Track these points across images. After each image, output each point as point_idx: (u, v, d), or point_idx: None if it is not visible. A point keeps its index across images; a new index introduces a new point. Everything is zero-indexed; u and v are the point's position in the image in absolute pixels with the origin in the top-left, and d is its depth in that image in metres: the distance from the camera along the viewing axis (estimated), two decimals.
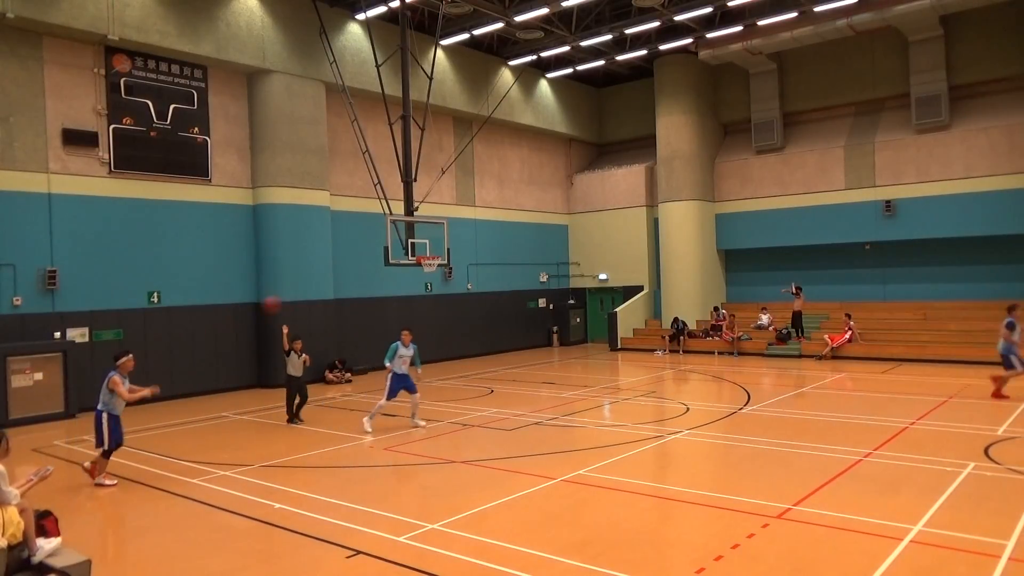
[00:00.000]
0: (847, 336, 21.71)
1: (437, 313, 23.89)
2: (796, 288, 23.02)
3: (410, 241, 18.93)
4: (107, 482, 9.71)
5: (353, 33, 20.76)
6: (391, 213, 19.10)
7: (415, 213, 19.52)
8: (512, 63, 25.46)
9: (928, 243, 22.81)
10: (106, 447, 9.70)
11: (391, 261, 18.31)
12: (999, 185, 21.23)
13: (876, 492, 8.47)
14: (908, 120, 23.07)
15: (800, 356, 22.20)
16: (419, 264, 18.86)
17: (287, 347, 13.85)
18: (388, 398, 12.76)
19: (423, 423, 13.12)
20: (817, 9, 20.80)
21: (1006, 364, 14.10)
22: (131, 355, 10.02)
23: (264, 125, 19.20)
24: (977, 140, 21.72)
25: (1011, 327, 14.01)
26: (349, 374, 19.77)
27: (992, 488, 8.55)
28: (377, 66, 19.42)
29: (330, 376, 19.47)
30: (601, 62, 25.77)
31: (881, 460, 9.92)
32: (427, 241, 19.39)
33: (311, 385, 18.54)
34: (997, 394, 14.24)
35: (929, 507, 7.79)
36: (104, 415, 9.67)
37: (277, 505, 8.59)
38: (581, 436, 12.30)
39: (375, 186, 19.38)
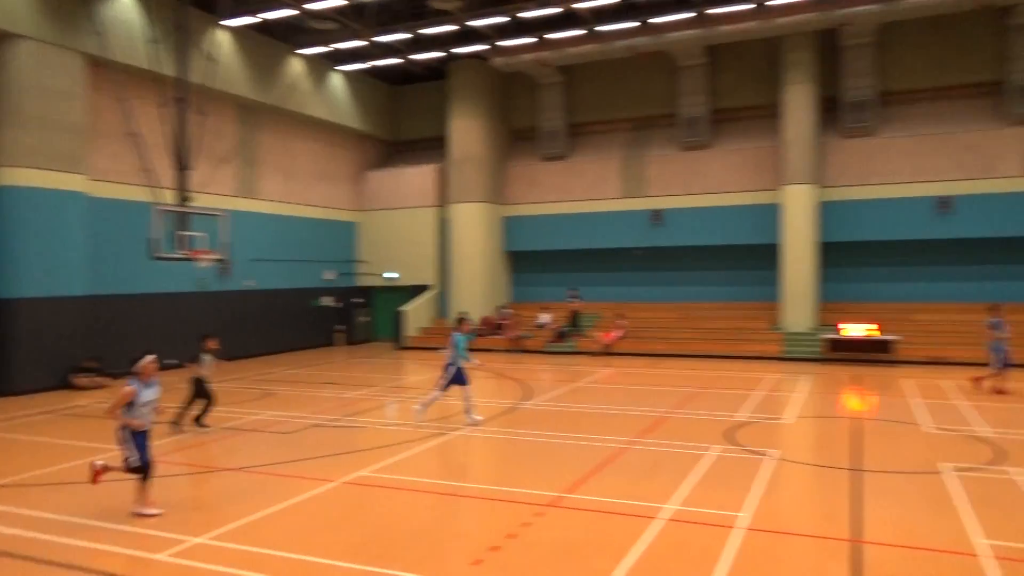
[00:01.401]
0: (618, 334, 23.42)
1: (212, 312, 22.31)
2: (573, 293, 24.62)
3: (182, 233, 17.52)
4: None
5: (124, 2, 18.81)
6: (159, 202, 17.56)
7: (189, 204, 18.12)
8: (303, 52, 24.52)
9: (690, 249, 25.25)
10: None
11: (158, 255, 16.84)
12: (750, 200, 24.01)
13: (637, 477, 9.20)
14: (676, 138, 25.38)
15: (576, 353, 23.58)
16: (192, 259, 17.52)
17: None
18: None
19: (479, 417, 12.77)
20: (602, 29, 22.23)
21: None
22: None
23: (7, 97, 16.79)
24: (732, 159, 24.41)
25: (995, 326, 15.17)
26: (103, 378, 17.60)
27: (732, 467, 9.62)
28: (150, 42, 17.77)
29: (80, 381, 17.30)
30: (397, 60, 25.63)
31: (643, 447, 10.80)
32: (204, 234, 18.07)
33: (54, 392, 16.63)
34: (1000, 390, 15.05)
35: (680, 487, 8.59)
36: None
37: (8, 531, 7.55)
38: (363, 437, 12.12)
39: (143, 172, 17.71)
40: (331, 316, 27.66)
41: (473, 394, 13.13)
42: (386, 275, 28.66)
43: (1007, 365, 15.28)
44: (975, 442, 10.86)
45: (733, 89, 24.89)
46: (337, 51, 24.92)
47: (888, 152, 22.44)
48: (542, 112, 27.17)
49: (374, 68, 26.96)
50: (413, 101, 29.80)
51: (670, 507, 7.89)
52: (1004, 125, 21.42)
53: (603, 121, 26.94)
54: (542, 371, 20.29)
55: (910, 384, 16.58)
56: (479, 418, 12.78)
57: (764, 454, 10.20)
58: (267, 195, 24.80)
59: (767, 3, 20.57)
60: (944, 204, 21.64)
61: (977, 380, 15.67)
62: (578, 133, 27.25)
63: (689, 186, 24.87)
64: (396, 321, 26.79)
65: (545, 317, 25.45)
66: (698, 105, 24.81)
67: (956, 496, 8.17)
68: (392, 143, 30.60)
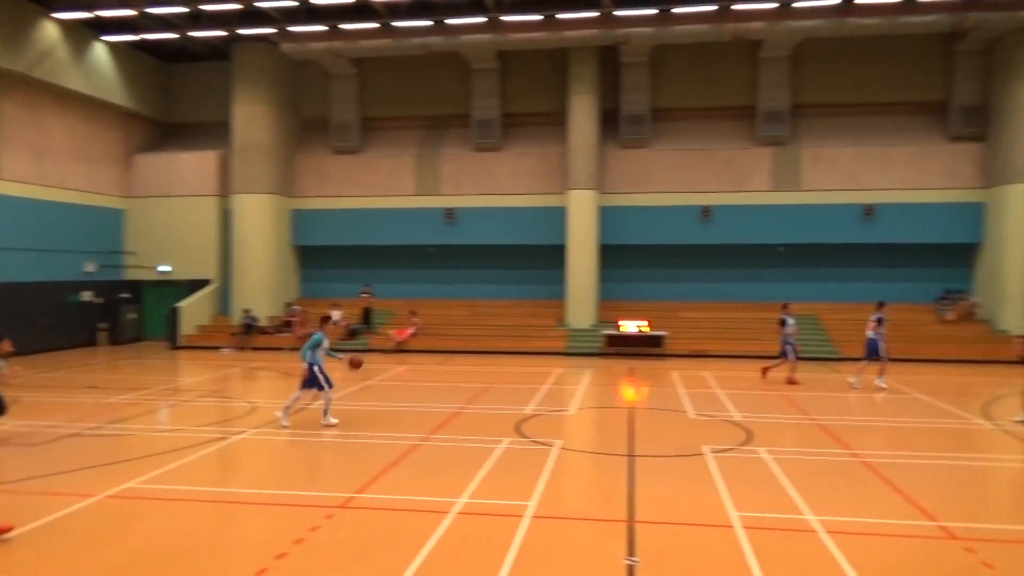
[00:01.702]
0: (411, 331, 23.38)
1: None
2: (366, 290, 24.28)
3: None
4: None
5: None
6: None
7: None
8: (60, 16, 21.76)
9: (481, 248, 25.82)
10: None
11: None
12: (538, 202, 25.04)
13: (430, 473, 9.21)
14: (469, 138, 25.83)
15: (369, 350, 23.20)
16: None
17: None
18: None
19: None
20: (396, 24, 22.02)
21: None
22: None
23: None
24: (522, 162, 25.31)
25: (880, 322, 16.18)
26: None
27: (521, 458, 9.95)
28: None
29: None
30: (173, 35, 23.57)
31: (435, 443, 10.84)
32: None
33: None
34: (792, 381, 16.52)
35: (472, 481, 8.73)
36: None
37: None
38: (131, 445, 10.99)
39: None
40: (93, 313, 24.86)
41: (332, 396, 12.64)
42: (159, 268, 26.31)
43: (798, 358, 17.19)
44: (730, 426, 12.15)
45: (523, 95, 25.84)
46: (101, 19, 22.43)
47: (659, 164, 24.51)
48: (334, 103, 26.41)
49: (146, 42, 24.63)
50: (192, 81, 27.64)
51: (462, 501, 7.98)
52: (755, 145, 24.23)
53: (398, 117, 26.74)
54: (333, 370, 19.69)
55: (677, 375, 18.21)
56: (334, 420, 12.09)
57: (549, 445, 10.67)
58: (11, 175, 21.72)
59: (556, 16, 21.58)
60: (706, 213, 24.03)
61: (765, 371, 17.57)
62: (372, 127, 26.82)
63: (481, 186, 25.44)
64: (171, 319, 24.67)
65: (336, 314, 24.76)
66: (490, 108, 25.45)
67: (715, 475, 9.07)
68: (167, 125, 28.15)
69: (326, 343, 12.20)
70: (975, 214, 23.05)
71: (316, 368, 11.90)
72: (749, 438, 11.17)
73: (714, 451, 10.28)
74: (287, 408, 12.16)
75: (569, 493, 8.83)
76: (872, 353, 16.15)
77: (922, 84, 23.89)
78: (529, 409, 13.56)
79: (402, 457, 9.96)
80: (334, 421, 12.03)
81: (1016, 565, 6.39)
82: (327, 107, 26.62)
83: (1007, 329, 21.71)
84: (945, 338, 21.76)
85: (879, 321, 16.26)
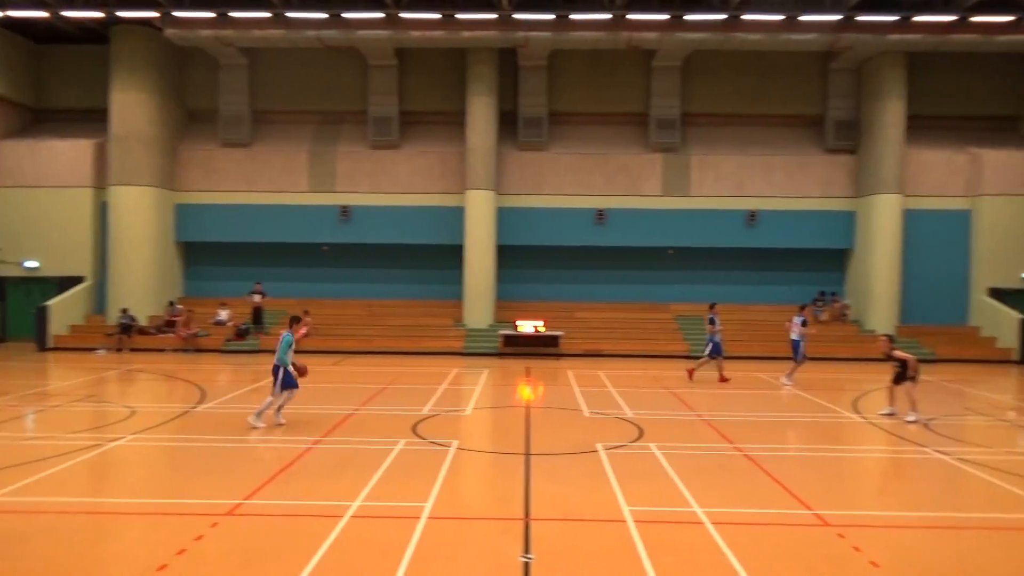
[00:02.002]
0: (303, 331, 22.73)
1: None
2: (256, 289, 23.44)
3: None
4: None
5: None
6: None
7: None
8: None
9: (378, 247, 25.43)
10: None
11: None
12: (436, 202, 24.90)
13: (323, 476, 8.96)
14: (366, 135, 25.37)
15: (259, 352, 22.39)
16: None
17: None
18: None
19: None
20: (290, 15, 21.33)
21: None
22: None
23: None
24: (420, 161, 25.09)
25: (804, 324, 16.94)
26: None
27: (417, 459, 9.84)
28: None
29: None
30: (43, 13, 21.92)
31: (329, 446, 10.57)
32: None
33: None
34: (723, 378, 17.00)
35: (367, 483, 8.56)
36: None
37: None
38: None
39: None
40: None
41: (292, 398, 12.24)
42: (25, 264, 24.42)
43: (721, 356, 17.60)
44: (624, 423, 12.46)
45: (422, 93, 25.63)
46: None
47: (556, 167, 24.89)
48: (224, 94, 25.34)
49: (12, 19, 22.82)
50: (65, 64, 25.85)
51: (356, 504, 7.81)
52: (648, 151, 25.01)
53: (291, 111, 25.96)
54: (219, 372, 18.90)
55: (573, 374, 18.53)
56: (283, 421, 11.95)
57: (446, 445, 10.61)
58: None
59: (455, 16, 21.53)
60: (601, 216, 24.59)
61: (691, 372, 17.91)
62: (264, 120, 25.91)
63: (378, 184, 25.05)
64: (38, 318, 22.95)
65: (224, 314, 23.76)
66: (388, 105, 25.10)
67: (609, 471, 9.28)
68: (37, 111, 26.20)
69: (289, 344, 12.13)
70: (847, 222, 24.68)
71: (284, 370, 11.85)
72: (641, 435, 11.49)
73: (608, 448, 10.51)
74: (278, 410, 11.98)
75: (466, 493, 8.80)
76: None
77: (801, 99, 25.36)
78: (426, 410, 13.45)
79: (294, 461, 9.64)
80: (283, 422, 11.99)
81: (881, 548, 6.86)
82: (215, 98, 25.52)
83: (874, 329, 23.35)
84: (819, 337, 23.11)
85: (803, 323, 17.24)
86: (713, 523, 7.35)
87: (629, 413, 13.31)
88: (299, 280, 25.86)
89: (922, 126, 24.72)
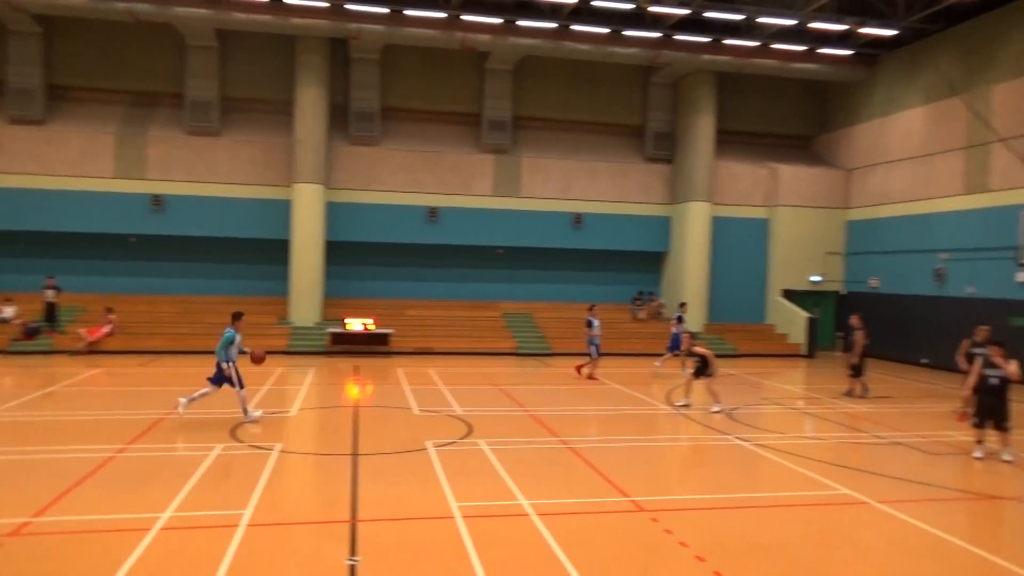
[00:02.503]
0: (106, 330, 20.82)
1: None
2: (49, 283, 21.09)
3: None
4: None
5: None
6: None
7: None
8: None
9: (194, 240, 23.78)
10: None
11: None
12: (260, 194, 23.68)
13: (127, 487, 8.22)
14: (182, 120, 23.65)
15: (52, 352, 20.21)
16: None
17: None
18: None
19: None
20: None
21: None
22: None
23: None
24: (243, 150, 23.74)
25: (591, 324, 17.55)
26: None
27: (236, 465, 9.30)
28: None
29: None
30: None
31: (135, 454, 9.72)
32: None
33: None
34: (592, 377, 17.78)
35: (178, 492, 7.95)
36: None
37: None
38: None
39: None
40: None
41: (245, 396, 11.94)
42: None
43: (600, 355, 18.12)
44: (453, 420, 12.51)
45: (247, 79, 24.31)
46: None
47: (388, 163, 24.54)
48: (12, 64, 22.59)
49: None
50: None
51: (167, 515, 7.23)
52: (479, 151, 25.31)
53: (96, 88, 23.66)
54: (4, 375, 16.85)
55: (403, 372, 18.35)
56: (257, 414, 12.08)
57: (269, 448, 10.12)
58: None
59: (283, 1, 20.62)
60: (432, 214, 24.56)
61: (578, 368, 18.33)
62: (62, 97, 23.42)
63: (195, 173, 23.43)
64: None
65: (8, 311, 21.19)
66: (208, 89, 23.56)
67: (438, 468, 9.26)
68: None
69: (238, 339, 12.00)
70: (664, 226, 26.37)
71: (228, 365, 11.68)
72: (470, 431, 11.58)
73: (437, 445, 10.49)
74: (191, 399, 11.77)
75: (289, 498, 8.44)
76: (674, 347, 18.97)
77: (625, 109, 26.77)
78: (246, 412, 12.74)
79: (93, 472, 8.77)
80: (258, 414, 12.13)
81: (689, 529, 7.36)
82: (3, 68, 22.71)
83: (687, 326, 25.08)
84: (638, 334, 24.57)
85: (679, 319, 19.55)
86: (539, 515, 7.54)
87: (459, 410, 13.39)
88: (102, 274, 23.60)
89: (730, 141, 26.94)
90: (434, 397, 14.85)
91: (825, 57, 24.07)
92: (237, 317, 12.35)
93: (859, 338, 16.06)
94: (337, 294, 24.47)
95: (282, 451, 10.04)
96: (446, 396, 14.96)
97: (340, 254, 24.48)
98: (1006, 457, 10.55)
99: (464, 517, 7.42)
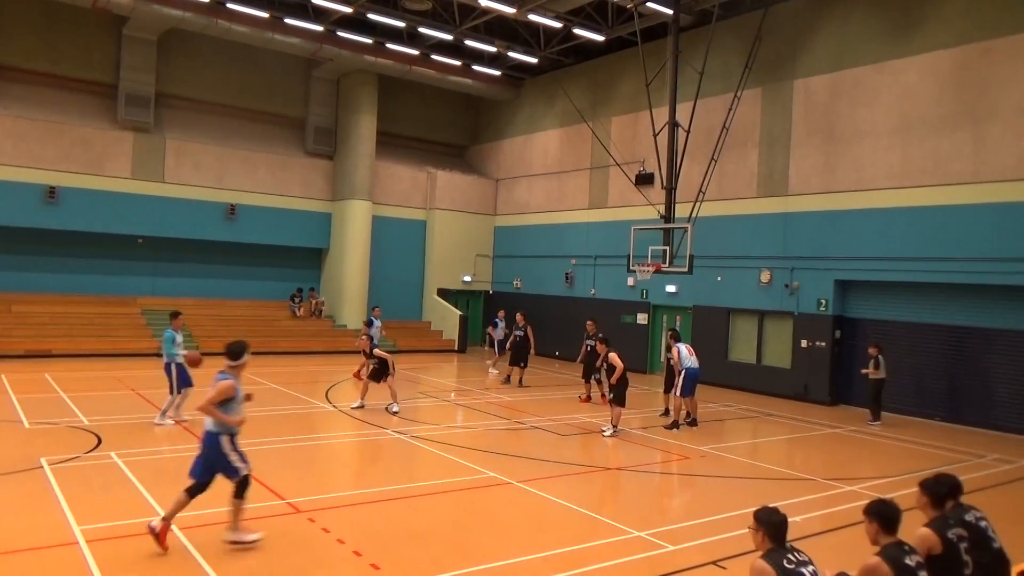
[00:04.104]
0: None
1: None
2: None
3: None
4: None
5: None
6: None
7: None
8: None
9: None
10: None
11: None
12: None
13: None
14: None
15: None
16: None
17: None
18: None
19: None
20: None
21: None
22: None
23: None
24: None
25: (369, 324, 17.12)
26: None
27: None
28: None
29: None
30: None
31: None
32: None
33: None
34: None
35: None
36: None
37: None
38: None
39: None
40: None
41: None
42: None
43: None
44: (77, 432, 10.86)
45: None
46: None
47: None
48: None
49: None
50: None
51: None
52: (115, 127, 22.37)
53: None
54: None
55: (9, 380, 15.42)
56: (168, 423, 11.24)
57: None
58: None
59: None
60: (52, 194, 21.04)
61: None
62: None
63: None
64: None
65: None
66: None
67: (56, 489, 7.95)
68: None
69: (179, 338, 11.77)
70: (324, 222, 25.99)
71: (172, 366, 11.59)
72: (99, 443, 10.17)
73: (55, 463, 9.02)
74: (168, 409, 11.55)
75: None
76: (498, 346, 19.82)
77: (285, 100, 25.82)
78: None
79: None
80: (169, 423, 11.58)
81: (346, 525, 7.34)
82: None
83: (346, 324, 25.09)
84: (296, 332, 23.90)
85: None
86: (183, 529, 6.87)
87: (85, 421, 11.68)
88: None
89: (391, 143, 27.56)
90: (53, 407, 12.76)
91: (479, 75, 25.90)
92: (174, 316, 12.09)
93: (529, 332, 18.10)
94: None
95: None
96: (69, 405, 12.95)
97: None
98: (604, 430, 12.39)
99: (89, 541, 6.47)
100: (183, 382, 11.76)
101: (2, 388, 14.50)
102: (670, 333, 14.75)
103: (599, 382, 15.83)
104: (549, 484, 9.22)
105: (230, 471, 6.56)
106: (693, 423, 13.63)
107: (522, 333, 18.01)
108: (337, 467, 10.62)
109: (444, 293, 27.55)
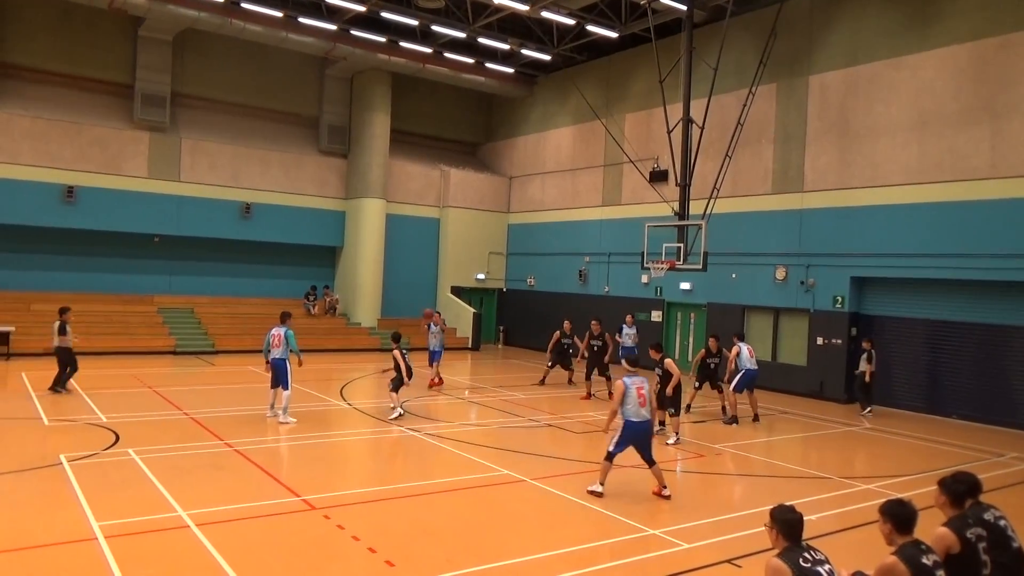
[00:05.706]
0: None
1: None
2: None
3: None
4: None
5: None
6: None
7: None
8: None
9: None
10: None
11: None
12: None
13: None
14: None
15: None
16: None
17: None
18: None
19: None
20: None
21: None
22: None
23: None
24: None
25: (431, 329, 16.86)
26: None
27: None
28: None
29: None
30: None
31: None
32: None
33: None
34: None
35: None
36: None
37: None
38: None
39: None
40: None
41: None
42: None
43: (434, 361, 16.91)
44: (96, 429, 10.97)
45: None
46: None
47: (10, 130, 20.67)
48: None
49: None
50: None
51: None
52: (131, 127, 22.53)
53: None
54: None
55: (29, 377, 15.62)
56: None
57: None
58: None
59: None
60: (70, 193, 21.25)
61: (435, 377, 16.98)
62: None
63: None
64: None
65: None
66: None
67: (75, 485, 8.04)
68: None
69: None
70: (338, 221, 26.08)
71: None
72: (117, 440, 10.27)
73: (74, 459, 9.12)
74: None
75: None
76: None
77: (299, 99, 25.92)
78: None
79: None
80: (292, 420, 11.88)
81: (361, 523, 7.37)
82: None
83: (360, 322, 25.17)
84: (311, 330, 23.96)
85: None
86: (198, 525, 6.94)
87: (103, 418, 11.79)
88: None
89: (405, 141, 27.60)
90: (71, 404, 12.91)
91: (492, 72, 25.88)
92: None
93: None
94: None
95: None
96: (87, 402, 13.09)
97: None
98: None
99: (108, 537, 6.53)
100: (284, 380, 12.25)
101: (22, 386, 14.68)
102: (735, 336, 14.91)
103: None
104: (563, 482, 9.22)
105: None
106: (733, 420, 13.87)
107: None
108: (352, 464, 10.67)
109: (458, 291, 27.57)
